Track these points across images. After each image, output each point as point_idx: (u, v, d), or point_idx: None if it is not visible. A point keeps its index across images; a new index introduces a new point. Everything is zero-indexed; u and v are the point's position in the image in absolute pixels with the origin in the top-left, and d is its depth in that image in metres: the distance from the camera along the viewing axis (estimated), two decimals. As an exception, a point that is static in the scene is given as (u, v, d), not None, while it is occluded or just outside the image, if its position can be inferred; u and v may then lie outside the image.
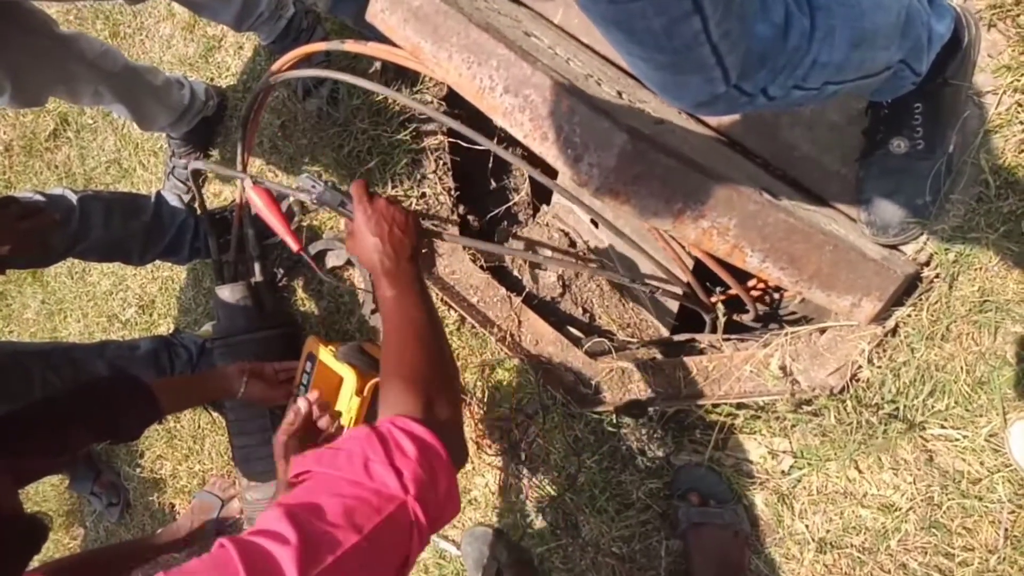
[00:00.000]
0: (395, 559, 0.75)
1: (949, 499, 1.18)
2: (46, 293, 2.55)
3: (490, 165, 1.79)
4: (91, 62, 1.65)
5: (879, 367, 1.22)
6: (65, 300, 2.48)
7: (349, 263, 1.77)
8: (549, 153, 1.02)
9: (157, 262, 2.02)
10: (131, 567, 1.91)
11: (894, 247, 1.21)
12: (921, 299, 1.19)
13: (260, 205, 1.35)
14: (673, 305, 1.57)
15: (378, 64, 1.67)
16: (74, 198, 1.65)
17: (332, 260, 1.79)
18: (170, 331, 2.09)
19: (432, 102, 1.65)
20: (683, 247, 1.41)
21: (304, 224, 1.86)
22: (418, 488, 0.77)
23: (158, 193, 1.88)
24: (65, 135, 2.47)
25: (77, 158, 2.43)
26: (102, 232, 1.68)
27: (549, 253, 1.68)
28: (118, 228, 1.72)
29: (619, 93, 1.17)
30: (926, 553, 1.21)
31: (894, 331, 1.21)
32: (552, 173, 1.62)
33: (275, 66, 1.41)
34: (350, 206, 1.16)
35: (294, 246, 1.38)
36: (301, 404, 1.18)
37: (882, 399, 1.22)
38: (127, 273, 2.27)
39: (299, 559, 0.65)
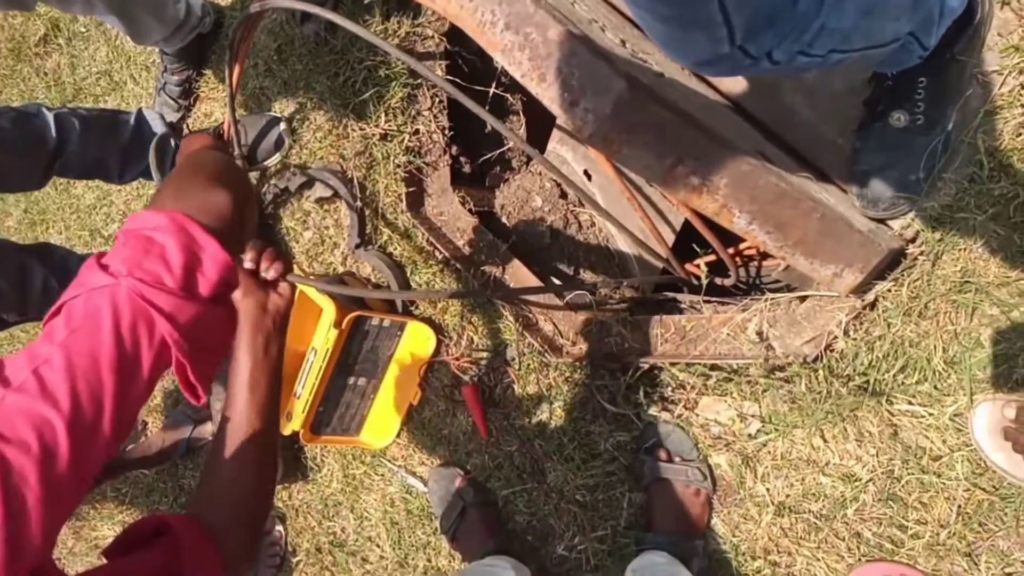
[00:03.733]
0: None
1: (909, 473, 1.21)
2: (29, 202, 2.51)
3: (486, 107, 1.76)
4: (83, -32, 1.60)
5: (854, 339, 1.23)
6: (48, 211, 2.44)
7: (336, 195, 1.75)
8: (546, 95, 1.00)
9: (142, 180, 1.99)
10: (100, 480, 1.93)
11: (882, 221, 1.20)
12: (903, 275, 1.19)
13: None
14: (658, 263, 1.57)
15: (380, -7, 1.63)
16: (50, 116, 1.63)
17: (320, 191, 1.77)
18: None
19: (433, 37, 1.62)
20: (666, 220, 1.41)
21: (293, 154, 1.84)
22: None
23: (139, 111, 1.84)
24: (56, 42, 2.40)
25: (67, 67, 2.37)
26: (78, 148, 1.66)
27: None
28: (95, 146, 1.70)
29: (623, 42, 1.15)
30: (881, 524, 1.24)
31: (873, 304, 1.21)
32: (551, 121, 1.61)
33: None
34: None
35: None
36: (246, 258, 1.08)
37: (854, 371, 1.23)
38: (112, 188, 2.24)
39: None
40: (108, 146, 1.73)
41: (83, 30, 2.34)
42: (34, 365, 0.63)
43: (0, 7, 1.55)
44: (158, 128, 1.82)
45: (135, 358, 0.67)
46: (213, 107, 2.01)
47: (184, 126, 2.00)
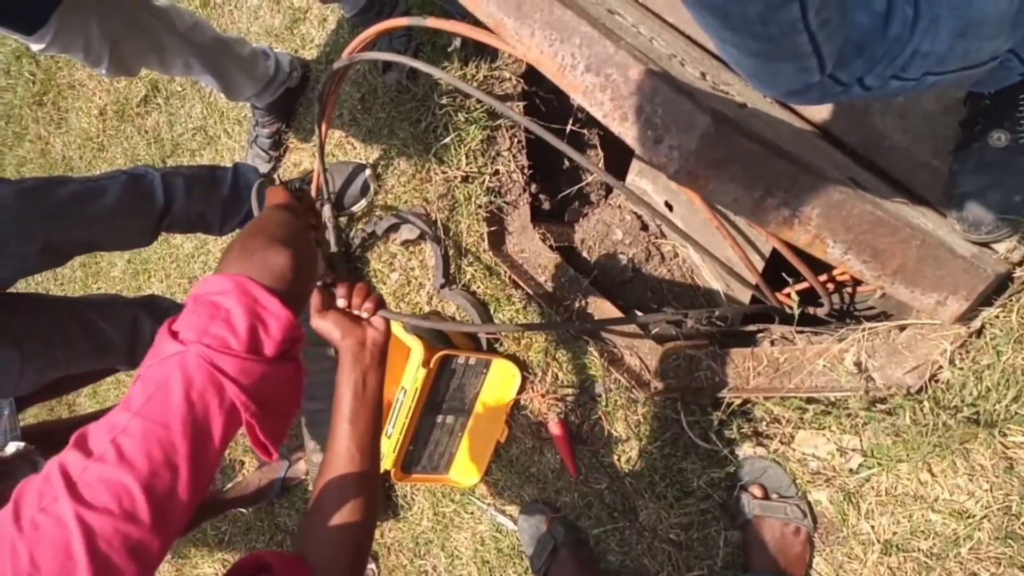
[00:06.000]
0: None
1: (1029, 510, 1.14)
2: (132, 253, 2.66)
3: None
4: (182, 34, 1.70)
5: (961, 368, 1.17)
6: (150, 261, 2.58)
7: (421, 237, 1.79)
8: (629, 134, 1.01)
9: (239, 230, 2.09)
10: (201, 519, 2.00)
11: (985, 244, 1.15)
12: (1011, 300, 1.13)
13: None
14: (745, 295, 1.54)
15: (457, 41, 1.68)
16: (157, 177, 1.73)
17: (405, 234, 1.81)
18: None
19: (510, 79, 1.65)
20: (754, 247, 1.38)
21: (378, 199, 1.89)
22: None
23: (235, 166, 1.94)
24: (155, 101, 2.56)
25: (166, 124, 2.52)
26: (183, 206, 1.76)
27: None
28: (198, 202, 1.79)
29: (703, 75, 1.15)
30: (999, 564, 1.16)
31: (979, 332, 1.16)
32: (629, 154, 1.61)
33: (354, 43, 1.43)
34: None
35: None
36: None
37: (962, 402, 1.17)
38: (209, 238, 2.36)
39: None
40: (210, 201, 1.82)
41: (179, 89, 2.49)
42: (113, 435, 0.68)
43: (109, 74, 1.67)
44: (254, 179, 1.91)
45: (206, 422, 0.71)
46: (302, 157, 2.10)
47: (275, 176, 2.08)
